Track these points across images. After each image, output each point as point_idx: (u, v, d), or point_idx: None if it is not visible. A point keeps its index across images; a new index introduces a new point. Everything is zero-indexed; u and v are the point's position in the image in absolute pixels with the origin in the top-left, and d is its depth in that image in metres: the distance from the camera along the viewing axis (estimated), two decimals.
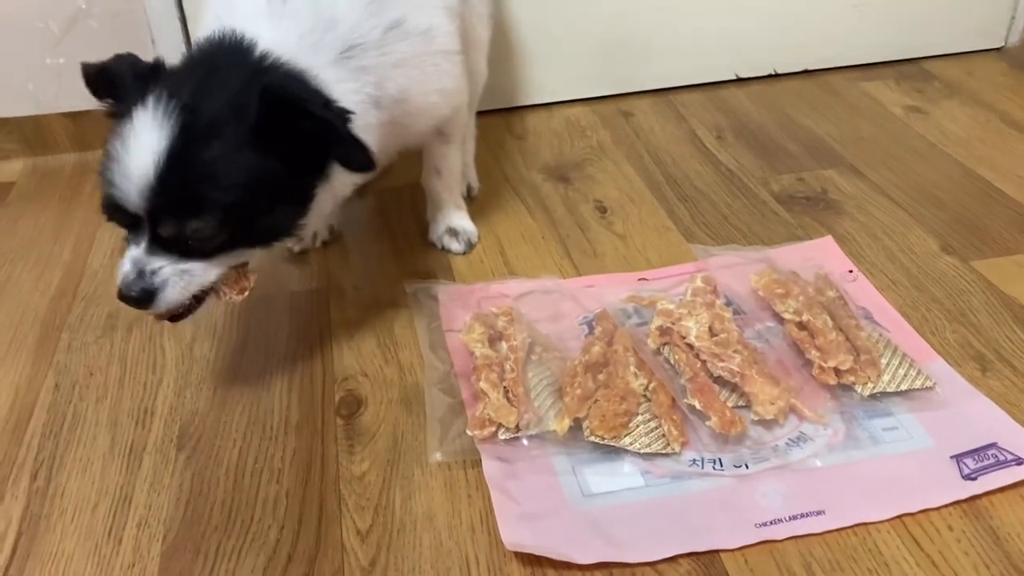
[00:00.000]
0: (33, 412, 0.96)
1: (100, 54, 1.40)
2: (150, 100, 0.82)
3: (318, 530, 0.81)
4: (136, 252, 0.84)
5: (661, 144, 1.48)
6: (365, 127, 0.91)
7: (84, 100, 1.46)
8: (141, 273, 0.83)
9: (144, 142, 0.80)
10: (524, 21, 1.55)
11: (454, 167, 1.19)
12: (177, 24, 1.42)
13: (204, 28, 0.92)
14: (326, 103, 0.86)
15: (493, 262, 1.18)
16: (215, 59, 0.88)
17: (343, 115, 0.86)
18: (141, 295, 0.83)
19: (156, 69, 0.87)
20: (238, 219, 0.84)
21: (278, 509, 0.83)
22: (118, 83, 0.87)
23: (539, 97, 1.62)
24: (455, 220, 1.21)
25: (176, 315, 0.89)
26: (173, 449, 0.91)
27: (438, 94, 1.04)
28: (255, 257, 0.92)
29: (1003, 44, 1.77)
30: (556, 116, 1.59)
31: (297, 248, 1.22)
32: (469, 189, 1.32)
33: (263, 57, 0.87)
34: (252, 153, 0.82)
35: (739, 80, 1.69)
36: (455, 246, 1.20)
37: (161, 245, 0.84)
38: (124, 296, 0.84)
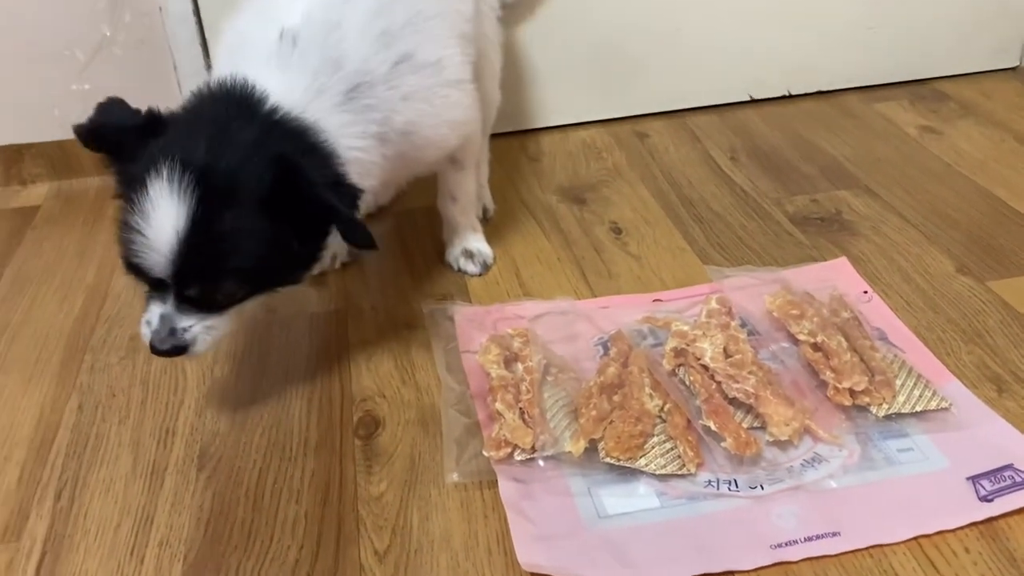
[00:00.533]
0: (57, 432, 0.98)
1: (124, 80, 1.45)
2: (164, 169, 0.82)
3: (336, 550, 0.82)
4: (164, 310, 0.88)
5: (676, 165, 1.49)
6: (370, 164, 0.94)
7: None
8: (172, 331, 0.88)
9: (164, 216, 0.82)
10: (538, 43, 1.57)
11: (469, 192, 1.21)
12: (198, 50, 1.45)
13: (216, 66, 0.95)
14: (336, 182, 0.89)
15: (509, 283, 1.20)
16: (224, 111, 0.89)
17: (351, 195, 0.89)
18: (172, 351, 0.88)
19: (154, 120, 0.88)
20: (257, 279, 0.90)
21: (297, 529, 0.84)
22: (118, 139, 0.88)
23: (554, 119, 1.64)
24: (471, 242, 1.23)
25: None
26: (194, 469, 0.92)
27: (447, 126, 1.05)
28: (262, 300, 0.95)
29: (1018, 64, 1.77)
30: (571, 138, 1.61)
31: (317, 270, 1.23)
32: (485, 211, 1.34)
33: (272, 112, 0.89)
34: (266, 221, 0.85)
35: (753, 101, 1.70)
36: (471, 268, 1.21)
37: (187, 303, 0.87)
38: (156, 351, 0.88)
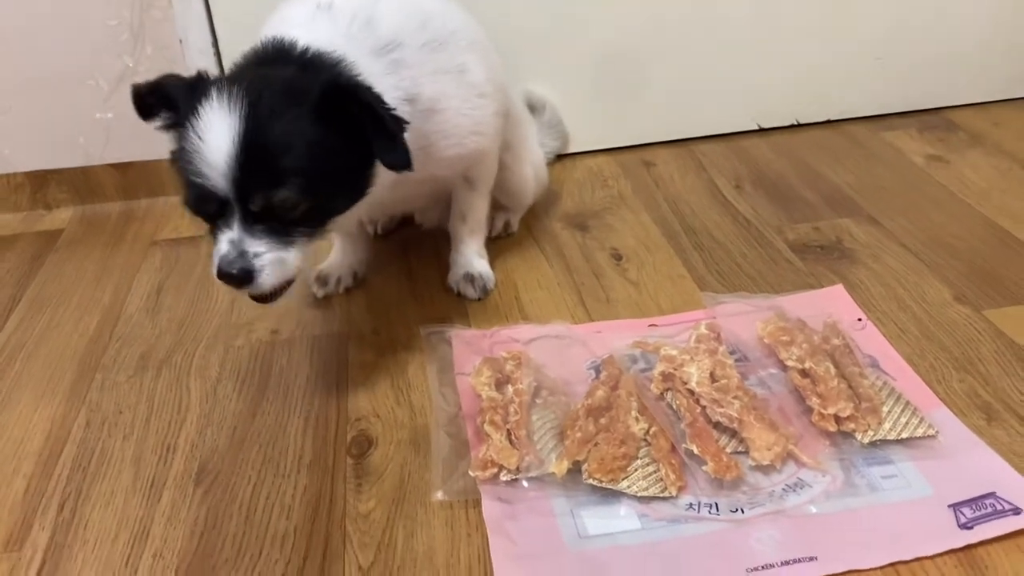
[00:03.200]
0: (64, 447, 1.02)
1: None
2: (213, 94, 0.89)
3: (322, 566, 0.84)
4: (233, 234, 0.91)
5: (680, 193, 1.51)
6: None
7: (130, 152, 1.57)
8: (242, 253, 0.90)
9: (219, 129, 0.87)
10: (548, 73, 1.60)
11: (479, 214, 1.24)
12: None
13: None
14: (380, 99, 0.93)
15: (508, 307, 1.22)
16: (260, 59, 0.97)
17: (395, 116, 0.93)
18: (241, 274, 0.90)
19: (202, 77, 0.95)
20: (314, 186, 0.91)
21: (286, 544, 0.87)
22: (171, 95, 0.94)
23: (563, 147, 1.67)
24: (474, 266, 1.25)
25: (267, 297, 0.96)
26: (191, 484, 0.95)
27: (469, 120, 1.10)
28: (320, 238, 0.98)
29: None
30: (579, 166, 1.64)
31: (321, 294, 1.27)
32: (507, 225, 1.39)
33: (305, 50, 0.95)
34: (315, 126, 0.90)
35: (761, 130, 1.72)
36: (471, 292, 1.24)
37: (253, 225, 0.90)
38: (224, 274, 0.91)
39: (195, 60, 1.48)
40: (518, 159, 1.32)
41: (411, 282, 1.30)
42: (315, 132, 0.90)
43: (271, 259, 0.91)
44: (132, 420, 1.05)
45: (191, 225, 1.51)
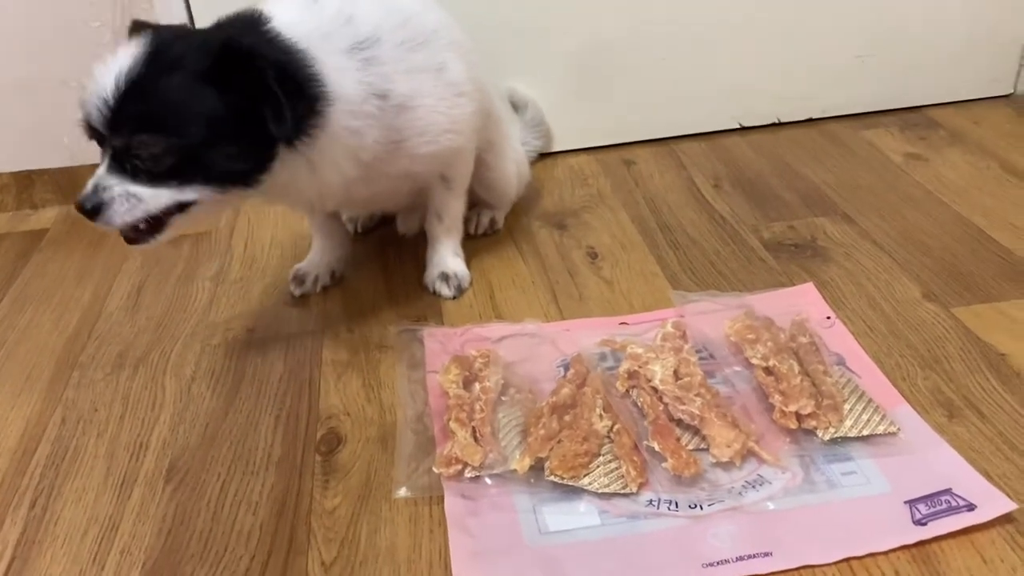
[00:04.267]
0: (39, 444, 1.03)
1: None
2: (135, 39, 0.94)
3: (286, 561, 0.85)
4: (99, 171, 0.96)
5: (659, 192, 1.52)
6: (362, 116, 1.02)
7: None
8: (96, 188, 0.95)
9: (112, 68, 0.92)
10: (529, 72, 1.61)
11: (455, 214, 1.26)
12: None
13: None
14: (287, 75, 0.94)
15: (482, 306, 1.23)
16: (227, 23, 1.00)
17: (300, 90, 0.95)
18: (90, 208, 0.95)
19: (142, 25, 0.99)
20: (184, 145, 0.94)
21: (251, 540, 0.88)
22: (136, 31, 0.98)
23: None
24: (449, 265, 1.26)
25: (132, 237, 1.00)
26: (161, 481, 0.96)
27: (445, 117, 1.12)
28: (204, 199, 0.99)
29: (1011, 91, 1.78)
30: (560, 164, 1.65)
31: (299, 292, 1.28)
32: (493, 222, 1.41)
33: (269, 31, 0.98)
34: (203, 88, 0.92)
35: (742, 129, 1.73)
36: (445, 291, 1.25)
37: (118, 165, 0.95)
38: (78, 207, 0.96)
39: None
40: (501, 157, 1.33)
41: (388, 281, 1.31)
42: (200, 91, 0.93)
43: (119, 192, 0.95)
44: (107, 418, 1.07)
45: None
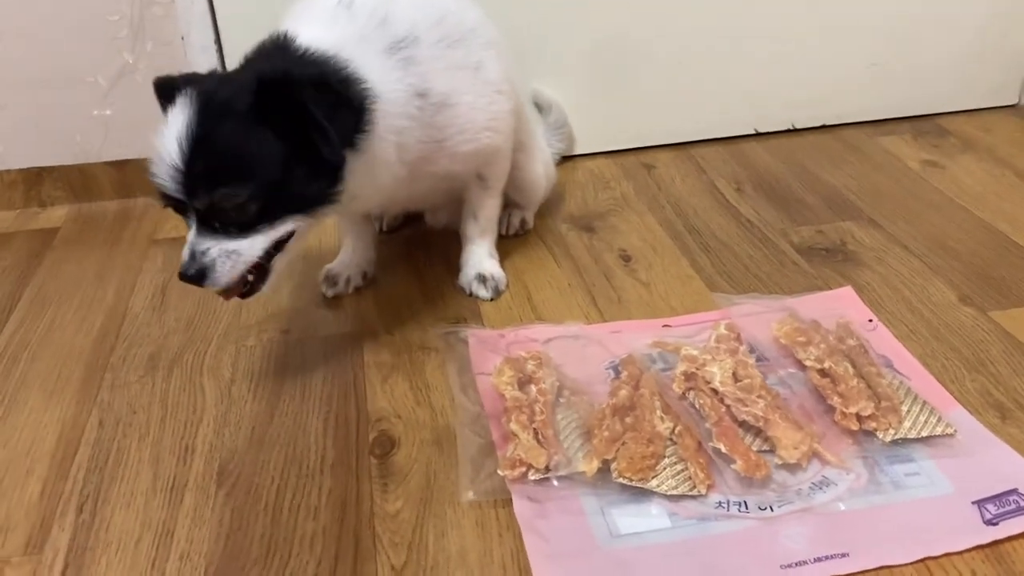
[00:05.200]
0: (79, 448, 1.00)
1: (145, 106, 1.47)
2: (179, 96, 0.92)
3: (354, 566, 0.83)
4: (191, 236, 0.94)
5: (682, 196, 1.52)
6: (405, 117, 1.01)
7: (128, 149, 1.55)
8: (193, 255, 0.93)
9: (171, 132, 0.91)
10: (547, 76, 1.61)
11: (491, 214, 1.24)
12: None
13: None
14: (337, 101, 0.93)
15: (520, 308, 1.22)
16: (258, 55, 0.99)
17: (348, 111, 0.94)
18: (195, 275, 0.94)
19: (211, 74, 0.98)
20: (261, 186, 0.92)
21: (315, 545, 0.86)
22: (175, 88, 0.95)
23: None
24: (486, 266, 1.25)
25: (243, 292, 0.99)
26: (213, 485, 0.94)
27: (484, 115, 1.11)
28: (298, 229, 0.99)
29: (1017, 101, 1.82)
30: (579, 168, 1.64)
31: (331, 293, 1.26)
32: (523, 223, 1.40)
33: (297, 49, 0.97)
34: (257, 127, 0.91)
35: (758, 135, 1.74)
36: (483, 292, 1.24)
37: (207, 225, 0.93)
38: (183, 276, 0.94)
39: (197, 57, 1.46)
40: (530, 157, 1.32)
41: (421, 282, 1.30)
42: (255, 130, 0.92)
43: (217, 253, 0.93)
44: (147, 420, 1.04)
45: None
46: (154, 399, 1.07)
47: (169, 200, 0.94)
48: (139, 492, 0.93)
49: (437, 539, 0.86)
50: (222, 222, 0.93)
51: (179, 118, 0.91)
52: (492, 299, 1.24)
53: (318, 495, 0.92)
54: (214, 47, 1.46)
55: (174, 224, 1.49)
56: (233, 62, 1.46)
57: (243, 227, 0.94)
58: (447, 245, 1.37)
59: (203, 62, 1.46)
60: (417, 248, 1.38)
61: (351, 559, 0.84)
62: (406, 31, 1.04)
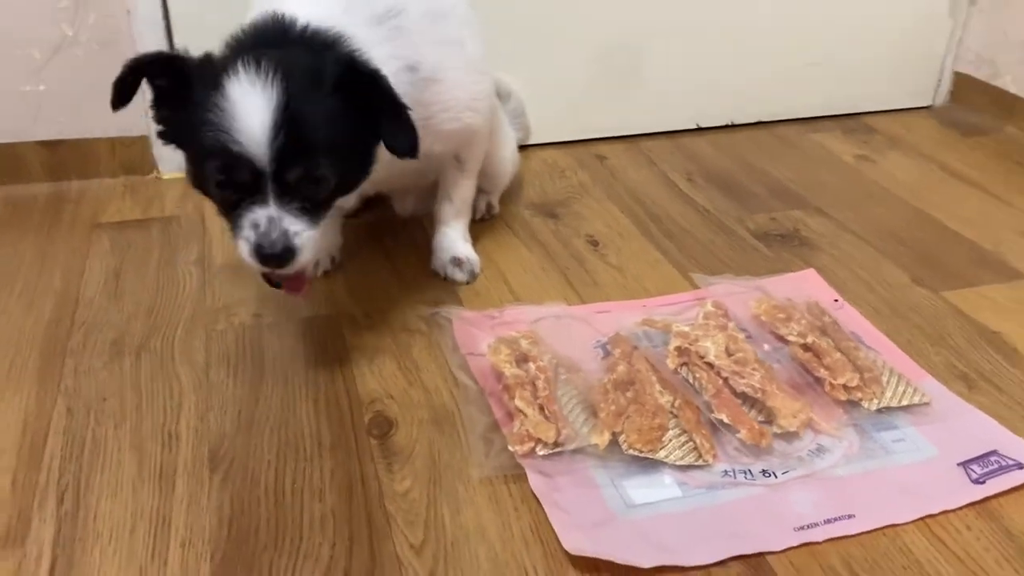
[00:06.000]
0: (48, 437, 0.93)
1: (83, 82, 1.41)
2: (240, 70, 0.86)
3: (371, 545, 0.81)
4: (271, 211, 0.88)
5: (638, 186, 1.55)
6: (399, 90, 0.97)
7: (62, 129, 1.46)
8: (284, 233, 0.88)
9: (256, 103, 0.85)
10: (502, 64, 1.61)
11: (466, 196, 1.23)
12: None
13: (253, 10, 1.00)
14: (389, 84, 0.92)
15: (499, 291, 1.21)
16: (260, 36, 0.94)
17: (403, 103, 0.92)
18: (284, 252, 0.88)
19: (211, 57, 0.92)
20: (340, 163, 0.91)
21: (326, 527, 0.83)
22: (185, 68, 0.90)
23: None
24: (460, 249, 1.24)
25: (297, 279, 0.96)
26: (206, 471, 0.89)
27: (468, 93, 1.10)
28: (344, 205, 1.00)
29: (931, 103, 1.93)
30: (533, 158, 1.65)
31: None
32: (489, 207, 1.40)
33: (305, 28, 0.94)
34: (336, 106, 0.89)
35: (699, 129, 1.79)
36: (459, 275, 1.22)
37: (287, 202, 0.88)
38: (266, 254, 0.88)
39: (143, 32, 1.39)
40: (496, 141, 1.32)
41: (392, 266, 1.27)
42: (337, 111, 0.90)
43: (308, 237, 0.90)
44: (120, 407, 0.97)
45: (135, 208, 1.43)
46: (125, 385, 1.01)
47: (242, 170, 0.87)
48: (125, 480, 0.88)
49: (453, 516, 0.84)
50: (301, 198, 0.89)
51: (262, 89, 0.85)
52: (468, 282, 1.22)
53: (320, 477, 0.89)
54: (162, 22, 1.39)
55: (117, 208, 1.41)
56: (182, 36, 1.41)
57: (316, 205, 0.91)
58: (412, 229, 1.35)
59: (150, 37, 1.39)
60: (384, 234, 1.35)
61: (366, 539, 0.82)
62: (393, 1, 1.01)
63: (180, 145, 0.94)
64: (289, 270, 0.91)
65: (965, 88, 1.91)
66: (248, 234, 0.88)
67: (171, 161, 1.47)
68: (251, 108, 0.85)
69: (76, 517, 0.83)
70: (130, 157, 1.49)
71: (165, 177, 1.52)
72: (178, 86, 0.90)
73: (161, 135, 0.95)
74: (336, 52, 0.93)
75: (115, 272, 1.23)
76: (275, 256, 0.88)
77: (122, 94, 0.91)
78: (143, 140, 1.47)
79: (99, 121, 1.44)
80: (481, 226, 1.38)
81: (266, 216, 0.88)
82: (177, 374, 1.03)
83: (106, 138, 1.46)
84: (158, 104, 0.94)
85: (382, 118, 0.91)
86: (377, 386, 1.02)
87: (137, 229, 1.35)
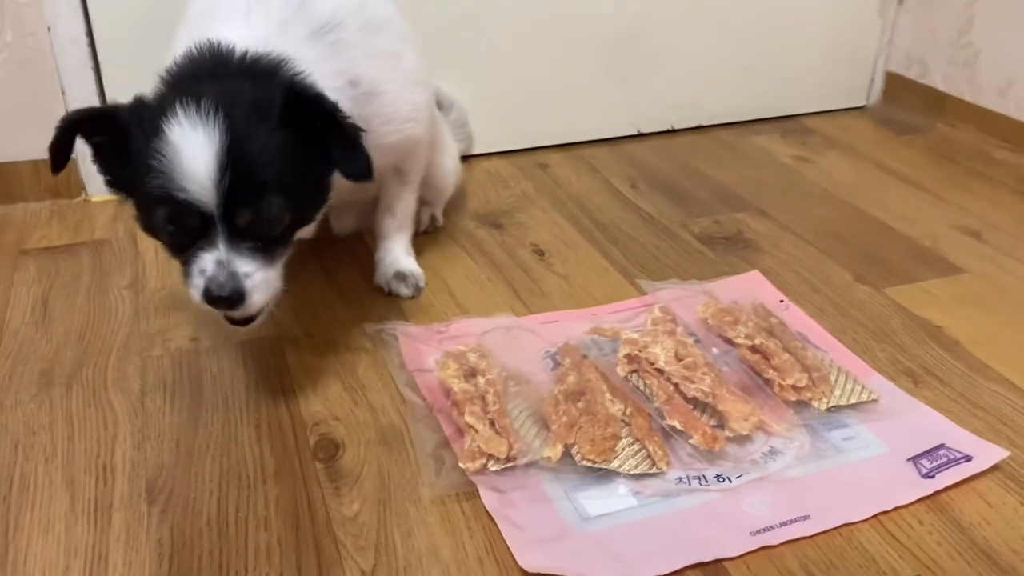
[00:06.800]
0: None
1: (3, 103, 1.34)
2: (179, 111, 0.83)
3: (320, 574, 0.78)
4: (220, 253, 0.85)
5: (581, 193, 1.55)
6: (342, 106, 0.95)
7: None
8: (233, 274, 0.85)
9: (198, 144, 0.82)
10: (442, 78, 1.59)
11: (408, 209, 1.21)
12: (90, 74, 1.36)
13: (181, 34, 0.98)
14: (336, 108, 0.90)
15: (444, 304, 1.19)
16: (198, 67, 0.91)
17: (353, 124, 0.90)
18: (233, 295, 0.86)
19: (143, 100, 0.89)
20: (294, 198, 0.89)
21: (272, 557, 0.80)
22: (118, 117, 0.87)
23: None
24: (403, 263, 1.22)
25: (251, 318, 0.92)
26: (144, 504, 0.85)
27: (408, 105, 1.09)
28: (305, 236, 0.98)
29: (865, 103, 1.97)
30: (475, 168, 1.63)
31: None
32: (433, 219, 1.38)
33: (243, 56, 0.91)
34: (284, 138, 0.87)
35: (640, 135, 1.79)
36: (403, 290, 1.20)
37: (239, 244, 0.85)
38: (214, 297, 0.85)
39: (65, 50, 1.34)
40: (438, 152, 1.30)
41: (333, 283, 1.24)
42: (285, 144, 0.88)
43: (261, 279, 0.87)
44: (51, 441, 0.93)
45: (63, 232, 1.37)
46: (56, 418, 0.96)
47: (192, 216, 0.84)
48: (56, 517, 0.83)
49: (404, 539, 0.82)
50: (253, 237, 0.86)
51: (204, 131, 0.83)
52: (413, 296, 1.20)
53: (265, 505, 0.85)
54: (85, 39, 1.34)
55: (44, 233, 1.36)
56: (106, 55, 1.36)
57: (271, 243, 0.88)
58: (354, 246, 1.33)
59: (72, 55, 1.34)
60: (324, 250, 1.32)
61: (315, 568, 0.79)
62: (329, 15, 1.00)
63: (127, 194, 0.91)
64: (243, 312, 0.88)
65: (897, 87, 1.95)
66: (197, 280, 0.85)
67: (99, 183, 1.41)
68: (194, 151, 0.82)
69: (5, 560, 0.79)
70: (56, 180, 1.43)
71: (94, 199, 1.46)
72: (115, 139, 0.87)
73: (108, 184, 0.93)
74: (279, 79, 0.90)
75: (42, 300, 1.18)
76: (224, 299, 0.85)
77: (58, 158, 0.89)
78: (69, 162, 1.41)
79: (21, 143, 1.38)
80: (425, 239, 1.36)
81: (213, 260, 0.85)
82: (111, 403, 0.99)
83: (29, 160, 1.40)
84: (98, 160, 0.91)
85: (332, 143, 0.88)
86: (322, 408, 0.99)
87: (65, 254, 1.30)
